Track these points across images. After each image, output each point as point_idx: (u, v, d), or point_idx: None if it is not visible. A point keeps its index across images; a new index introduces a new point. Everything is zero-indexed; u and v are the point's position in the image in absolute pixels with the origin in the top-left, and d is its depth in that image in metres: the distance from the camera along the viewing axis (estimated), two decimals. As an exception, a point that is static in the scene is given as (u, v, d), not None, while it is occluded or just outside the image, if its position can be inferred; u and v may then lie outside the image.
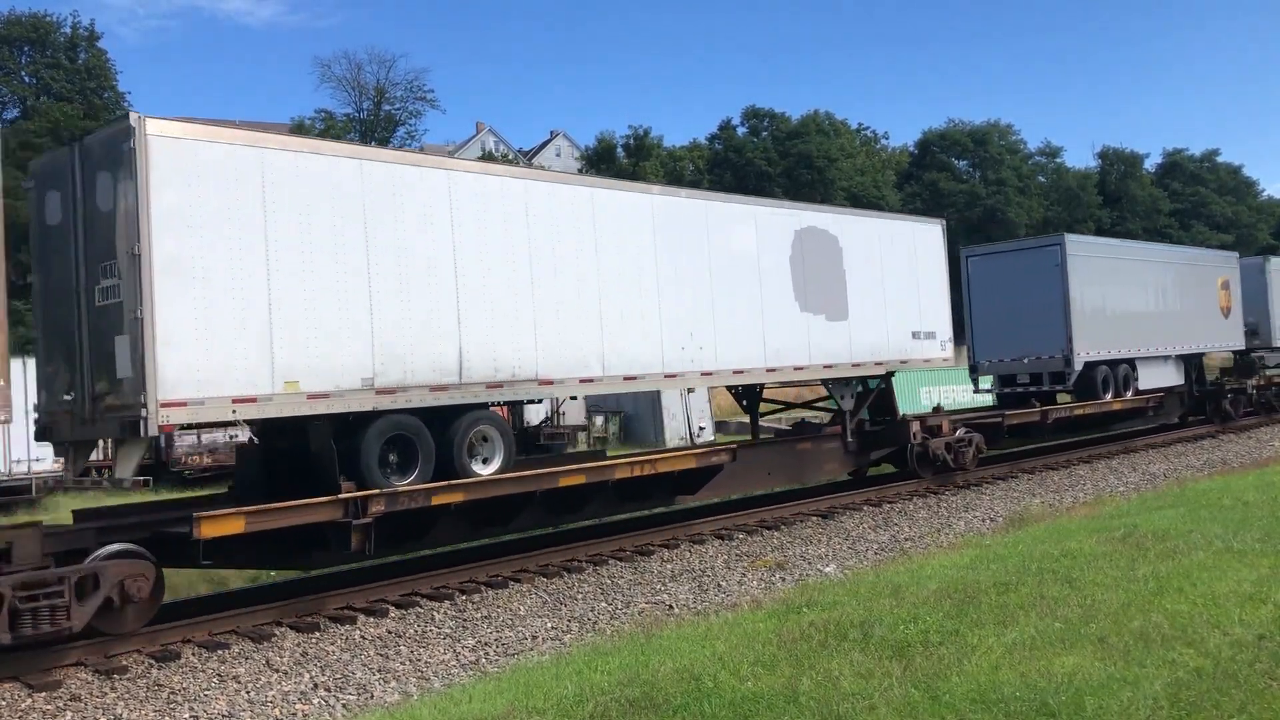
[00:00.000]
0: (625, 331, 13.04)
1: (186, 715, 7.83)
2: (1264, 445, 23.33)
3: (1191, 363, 26.38)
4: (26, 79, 58.35)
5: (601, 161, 69.66)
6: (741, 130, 74.07)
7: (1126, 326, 23.32)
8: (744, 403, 17.67)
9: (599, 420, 36.67)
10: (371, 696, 8.19)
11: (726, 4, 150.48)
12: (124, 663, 8.92)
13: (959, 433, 18.36)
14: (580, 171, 71.71)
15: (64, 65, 58.27)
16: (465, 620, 10.24)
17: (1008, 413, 20.23)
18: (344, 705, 8.03)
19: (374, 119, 69.85)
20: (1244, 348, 28.94)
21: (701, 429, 34.63)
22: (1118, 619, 7.37)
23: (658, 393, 38.60)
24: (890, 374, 17.56)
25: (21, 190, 11.07)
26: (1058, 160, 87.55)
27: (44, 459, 26.23)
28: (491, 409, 12.10)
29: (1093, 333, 22.06)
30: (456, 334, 11.27)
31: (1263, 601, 7.64)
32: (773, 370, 15.02)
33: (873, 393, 17.64)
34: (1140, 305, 24.11)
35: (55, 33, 59.44)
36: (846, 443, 17.01)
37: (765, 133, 73.04)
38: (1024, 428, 20.74)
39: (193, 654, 9.22)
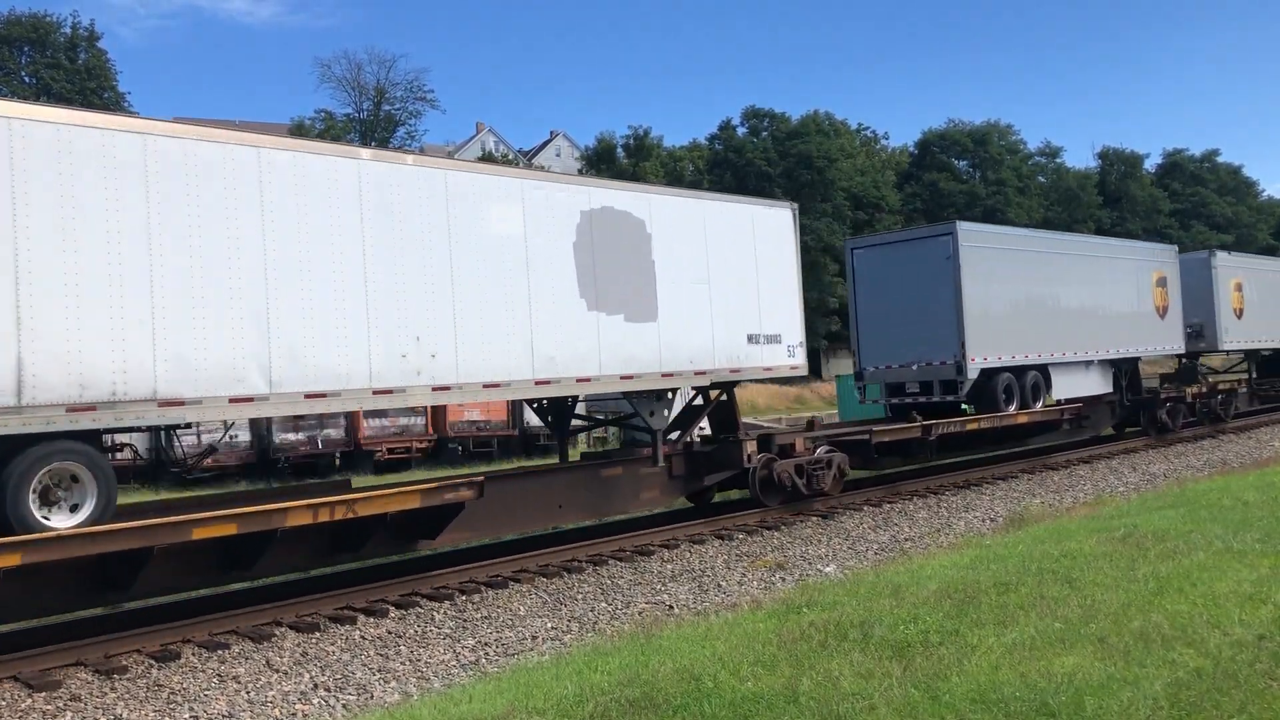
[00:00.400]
0: (309, 334, 10.23)
1: (186, 715, 7.83)
2: (1264, 445, 23.34)
3: (1123, 369, 23.58)
4: (26, 79, 58.33)
5: (601, 161, 69.66)
6: (741, 130, 74.02)
7: (1037, 328, 20.56)
8: (549, 419, 15.31)
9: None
10: (371, 696, 8.19)
11: (727, 4, 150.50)
12: (124, 663, 8.92)
13: (820, 452, 15.97)
14: (580, 173, 71.76)
15: (64, 65, 58.27)
16: (465, 620, 10.24)
17: (875, 428, 17.38)
18: (344, 705, 8.03)
19: (374, 119, 69.83)
20: (1184, 351, 26.23)
21: (702, 429, 34.63)
22: (1118, 619, 7.37)
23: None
24: (732, 385, 15.39)
25: None
26: (1058, 160, 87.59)
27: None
28: (91, 441, 9.12)
29: (991, 335, 19.32)
30: (14, 337, 8.46)
31: (1263, 601, 7.63)
32: (545, 382, 12.33)
33: (703, 408, 15.54)
34: (1055, 304, 21.27)
35: (55, 33, 59.43)
36: (669, 467, 14.56)
37: (765, 133, 72.98)
38: (903, 445, 17.99)
39: (193, 654, 9.22)
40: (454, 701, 7.03)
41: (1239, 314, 27.95)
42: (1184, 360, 28.02)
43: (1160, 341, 24.68)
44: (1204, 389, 26.55)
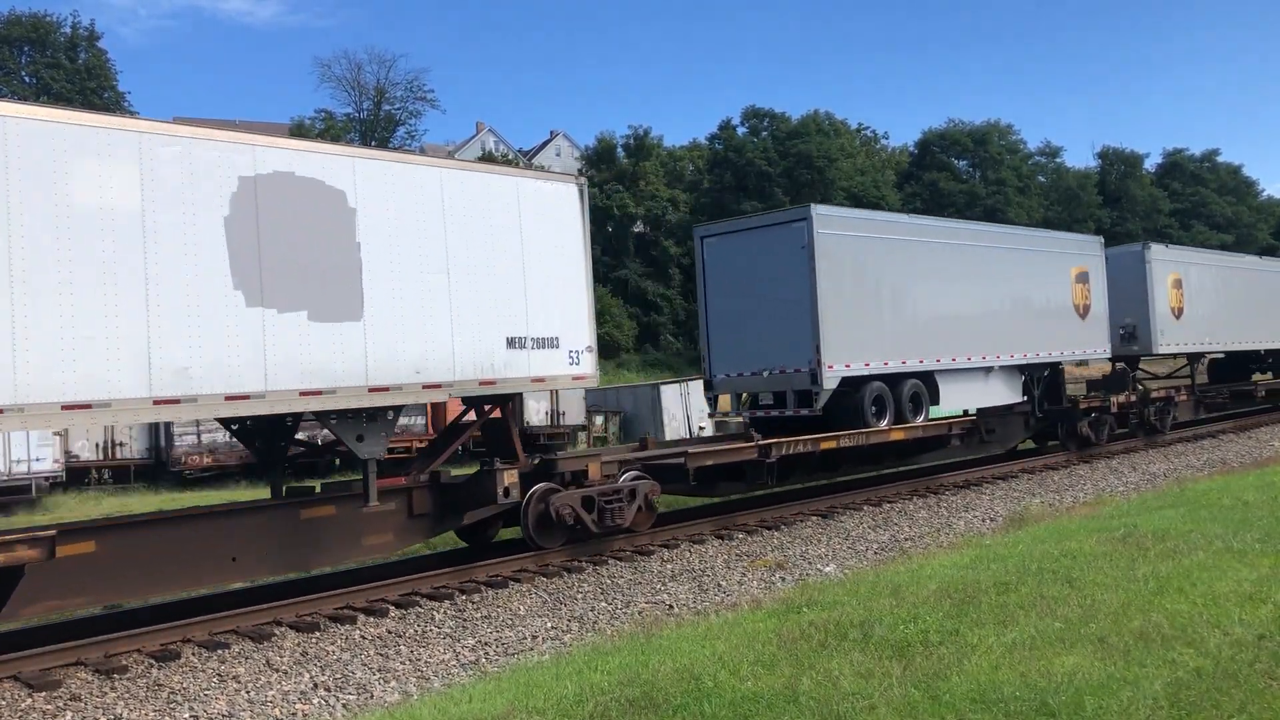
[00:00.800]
0: None
1: (186, 715, 7.83)
2: (1264, 445, 23.34)
3: (1036, 376, 20.86)
4: (26, 79, 58.39)
5: (602, 161, 69.69)
6: (741, 130, 74.08)
7: (918, 330, 17.74)
8: (256, 444, 12.10)
9: (599, 420, 36.75)
10: (371, 696, 8.19)
11: (727, 4, 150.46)
12: (124, 662, 8.92)
13: (625, 478, 13.26)
14: (580, 174, 71.72)
15: (64, 65, 58.34)
16: (465, 620, 10.24)
17: (692, 450, 14.53)
18: (344, 705, 8.03)
19: (374, 119, 69.90)
20: (1111, 355, 23.16)
21: (702, 428, 34.65)
22: (1118, 619, 7.37)
23: (657, 389, 38.49)
24: (507, 400, 12.71)
25: None
26: (1058, 160, 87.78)
27: (44, 459, 26.26)
28: None
29: (856, 338, 16.50)
30: None
31: (1263, 601, 7.63)
32: (171, 401, 9.41)
33: (463, 430, 12.99)
34: (943, 302, 18.29)
35: (55, 33, 59.50)
36: (408, 504, 11.91)
37: (765, 133, 73.04)
38: (736, 469, 15.12)
39: (193, 654, 9.22)
40: (454, 701, 7.03)
41: (1177, 313, 25.02)
42: (1117, 365, 24.98)
43: (1082, 345, 21.82)
44: (1133, 397, 23.45)
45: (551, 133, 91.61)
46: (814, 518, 15.35)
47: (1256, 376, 30.48)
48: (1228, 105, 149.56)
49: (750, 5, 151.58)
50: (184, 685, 8.41)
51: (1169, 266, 25.05)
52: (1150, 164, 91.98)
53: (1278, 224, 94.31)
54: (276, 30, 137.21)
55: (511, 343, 12.20)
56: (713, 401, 17.96)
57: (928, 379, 17.92)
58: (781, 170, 69.29)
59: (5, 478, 25.69)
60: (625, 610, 10.52)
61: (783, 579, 11.66)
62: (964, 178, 79.77)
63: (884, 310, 17.23)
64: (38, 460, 26.16)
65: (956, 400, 18.48)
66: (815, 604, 8.72)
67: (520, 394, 12.94)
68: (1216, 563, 9.10)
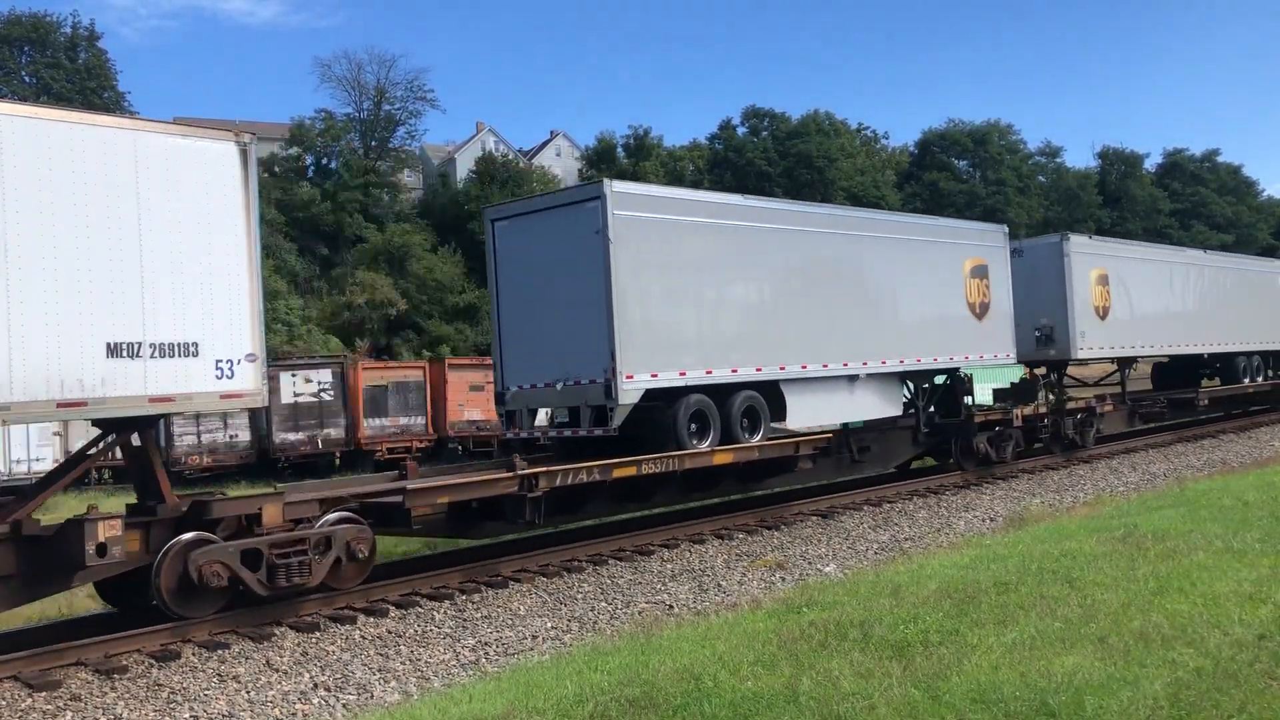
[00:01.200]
0: None
1: (186, 715, 7.84)
2: (1264, 445, 23.34)
3: (920, 385, 18.28)
4: (26, 79, 58.39)
5: (602, 161, 69.70)
6: (741, 130, 74.19)
7: (753, 333, 14.79)
8: None
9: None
10: (371, 696, 8.19)
11: (727, 4, 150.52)
12: (124, 663, 8.92)
13: (328, 521, 10.50)
14: (581, 173, 71.80)
15: (64, 65, 58.34)
16: (465, 620, 10.24)
17: (414, 486, 11.47)
18: (344, 705, 8.04)
19: (374, 119, 69.86)
20: (1017, 360, 20.25)
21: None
22: (1118, 619, 7.37)
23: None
24: (149, 421, 9.97)
25: None
26: (1058, 160, 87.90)
27: (44, 459, 26.25)
28: None
29: (666, 342, 13.59)
30: None
31: (1263, 601, 7.63)
32: None
33: (79, 461, 10.55)
34: (788, 300, 15.35)
35: (55, 33, 59.50)
36: None
37: (765, 133, 73.14)
38: (497, 505, 11.88)
39: (193, 654, 9.22)
40: (454, 701, 7.03)
41: (1102, 313, 21.97)
42: (1034, 372, 22.04)
43: (979, 348, 18.77)
44: (1042, 408, 20.73)
45: (551, 133, 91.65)
46: (814, 518, 15.35)
47: (1207, 383, 27.42)
48: (1228, 105, 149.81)
49: (750, 5, 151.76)
50: (184, 685, 8.41)
51: (1092, 260, 22.07)
52: (1150, 164, 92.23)
53: (1278, 224, 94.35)
54: (276, 30, 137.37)
55: (116, 350, 9.19)
56: (506, 419, 14.46)
57: (770, 390, 14.96)
58: (781, 170, 69.36)
59: (5, 477, 25.69)
60: (625, 610, 10.52)
61: (783, 579, 11.67)
62: (964, 178, 79.86)
63: (706, 309, 14.28)
64: (37, 460, 26.15)
65: (810, 414, 15.53)
66: (815, 604, 8.72)
67: (164, 415, 10.54)
68: (1216, 563, 9.09)
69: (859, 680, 6.34)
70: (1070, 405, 21.53)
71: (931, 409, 18.66)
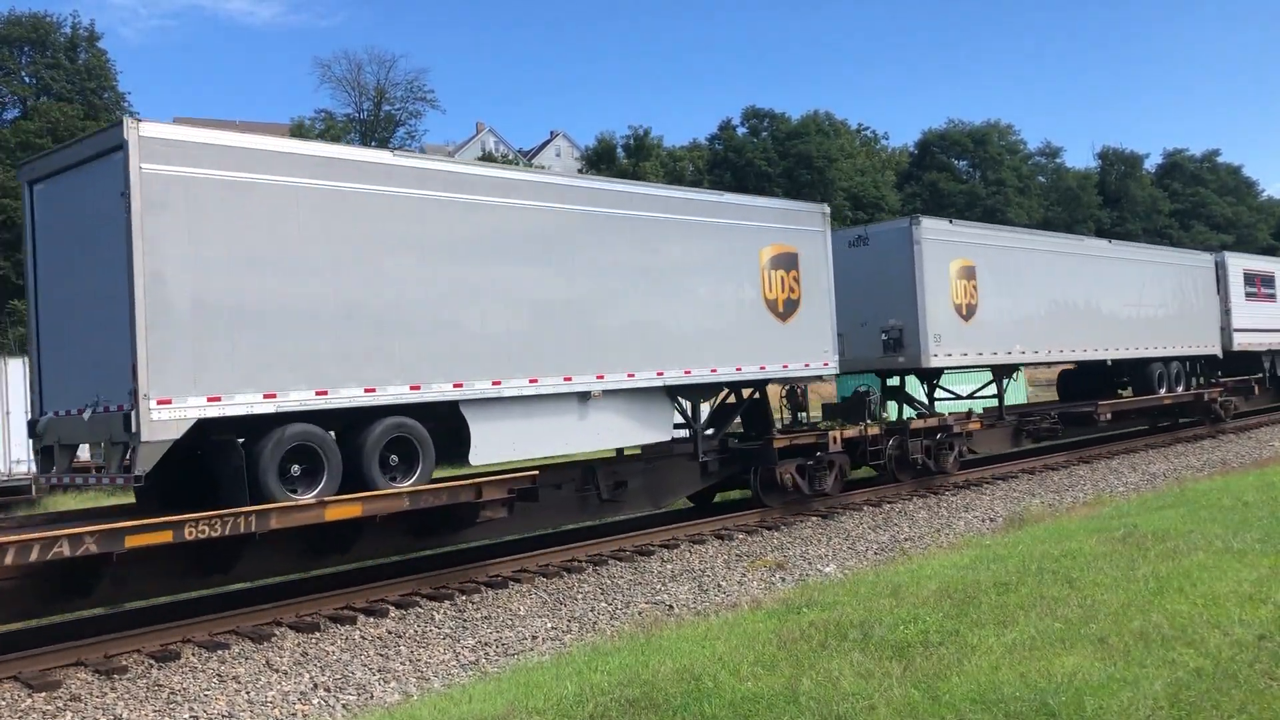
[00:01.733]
0: None
1: (186, 715, 7.84)
2: (1264, 445, 23.36)
3: (698, 402, 14.71)
4: (26, 79, 58.30)
5: (601, 161, 69.70)
6: (741, 130, 74.15)
7: (406, 334, 10.89)
8: None
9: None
10: (371, 696, 8.20)
11: (727, 4, 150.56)
12: (124, 663, 8.92)
13: None
14: (581, 173, 71.78)
15: (64, 65, 58.22)
16: (465, 620, 10.25)
17: (7, 539, 8.37)
18: (344, 705, 8.04)
19: (374, 119, 69.88)
20: (837, 371, 16.40)
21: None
22: (1118, 619, 7.37)
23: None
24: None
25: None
26: (1058, 160, 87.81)
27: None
28: None
29: (243, 349, 9.73)
30: None
31: (1263, 601, 7.63)
32: None
33: None
34: (469, 292, 11.56)
35: (55, 33, 59.39)
36: None
37: (765, 133, 73.11)
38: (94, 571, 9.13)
39: (193, 654, 9.23)
40: (454, 701, 7.03)
41: (966, 313, 18.40)
42: (860, 389, 17.81)
43: (784, 355, 15.20)
44: (872, 429, 16.84)
45: (551, 133, 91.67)
46: (814, 518, 15.35)
47: (1122, 393, 24.21)
48: (1228, 105, 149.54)
49: (750, 5, 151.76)
50: (184, 685, 8.42)
51: (953, 249, 18.39)
52: (1150, 164, 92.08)
53: (1278, 224, 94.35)
54: (276, 30, 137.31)
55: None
56: (42, 456, 10.79)
57: (445, 414, 11.40)
58: (781, 170, 69.33)
59: (5, 478, 25.66)
60: (625, 610, 10.53)
61: (783, 579, 11.67)
62: (964, 178, 79.81)
63: (313, 306, 10.28)
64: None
65: (510, 446, 11.99)
66: (815, 604, 8.72)
67: None
68: (1216, 563, 9.10)
69: (859, 680, 6.34)
70: (918, 424, 17.84)
71: (711, 431, 15.25)
